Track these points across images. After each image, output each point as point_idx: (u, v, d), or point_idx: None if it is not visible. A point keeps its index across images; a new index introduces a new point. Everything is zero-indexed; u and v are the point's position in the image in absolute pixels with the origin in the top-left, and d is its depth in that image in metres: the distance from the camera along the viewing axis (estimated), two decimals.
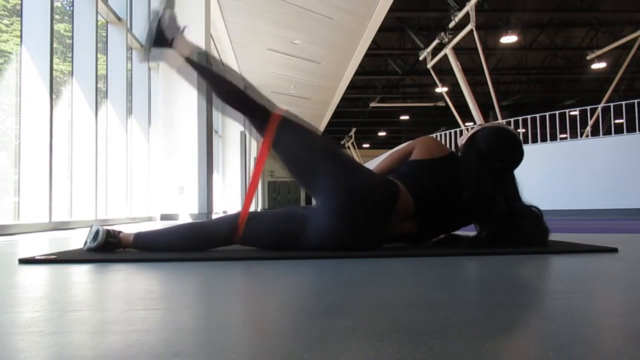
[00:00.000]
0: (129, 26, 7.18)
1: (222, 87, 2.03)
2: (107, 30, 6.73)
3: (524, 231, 2.01)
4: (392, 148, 17.45)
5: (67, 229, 4.89)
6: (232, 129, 15.42)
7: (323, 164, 1.93)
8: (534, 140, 10.65)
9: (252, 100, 2.01)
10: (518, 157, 2.11)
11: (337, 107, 19.77)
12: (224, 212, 11.60)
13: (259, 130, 2.00)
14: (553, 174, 9.70)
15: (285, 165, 2.01)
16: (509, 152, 2.09)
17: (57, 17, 5.47)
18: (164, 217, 7.89)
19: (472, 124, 14.33)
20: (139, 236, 2.00)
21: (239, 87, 2.02)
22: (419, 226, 2.00)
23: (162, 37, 1.95)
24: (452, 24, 12.36)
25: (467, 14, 11.48)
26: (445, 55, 13.15)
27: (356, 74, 15.36)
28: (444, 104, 17.04)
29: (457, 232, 2.19)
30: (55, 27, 5.05)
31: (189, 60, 1.98)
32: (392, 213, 1.93)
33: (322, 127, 24.06)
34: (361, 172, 1.98)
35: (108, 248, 1.97)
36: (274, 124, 1.95)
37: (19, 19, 4.76)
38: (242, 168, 15.43)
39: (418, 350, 0.66)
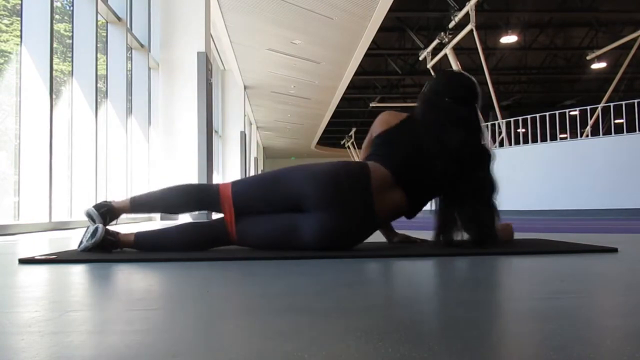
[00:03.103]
0: (129, 26, 7.18)
1: (171, 207, 2.17)
2: (107, 30, 6.72)
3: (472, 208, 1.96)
4: None
5: (67, 229, 4.88)
6: (232, 128, 15.42)
7: (290, 181, 1.97)
8: (534, 140, 10.64)
9: (197, 194, 2.10)
10: (461, 85, 2.12)
11: (337, 107, 19.76)
12: None
13: (217, 210, 2.03)
14: (553, 174, 9.69)
15: (261, 210, 2.02)
16: (451, 85, 2.14)
17: (57, 17, 5.46)
18: (164, 217, 7.88)
19: None
20: (139, 236, 2.00)
21: (182, 195, 2.11)
22: (407, 193, 1.97)
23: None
24: (452, 24, 12.35)
25: (467, 14, 11.46)
26: (445, 55, 13.14)
27: (356, 74, 15.35)
28: None
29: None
30: (55, 27, 5.05)
31: (132, 208, 2.06)
32: (370, 187, 1.92)
33: (322, 127, 24.09)
34: (324, 165, 2.01)
35: (105, 247, 1.94)
36: (227, 196, 1.99)
37: (19, 19, 4.76)
38: (242, 168, 15.43)
39: (418, 350, 0.66)
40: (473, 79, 2.15)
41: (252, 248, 2.01)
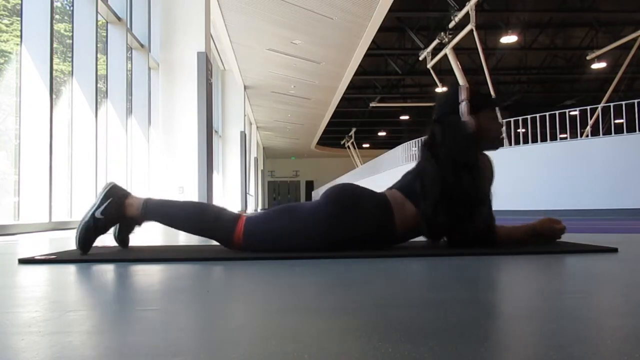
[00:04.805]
0: (129, 26, 7.18)
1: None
2: (107, 30, 6.73)
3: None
4: (392, 148, 17.45)
5: (67, 229, 4.88)
6: (232, 128, 15.43)
7: (300, 216, 1.93)
8: (534, 140, 10.64)
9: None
10: (443, 95, 2.20)
11: (337, 107, 19.78)
12: None
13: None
14: (553, 174, 9.68)
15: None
16: (440, 97, 2.23)
17: (57, 17, 5.47)
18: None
19: None
20: (149, 200, 1.97)
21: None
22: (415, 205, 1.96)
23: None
24: (452, 24, 12.36)
25: (467, 14, 11.47)
26: (445, 55, 13.14)
27: (356, 74, 15.37)
28: None
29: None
30: (55, 27, 5.05)
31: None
32: (393, 220, 1.94)
33: (322, 127, 24.10)
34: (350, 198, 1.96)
35: (114, 196, 1.91)
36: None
37: (19, 19, 4.76)
38: (242, 168, 15.43)
39: (418, 350, 0.66)
40: (448, 89, 2.19)
41: (255, 250, 1.96)
